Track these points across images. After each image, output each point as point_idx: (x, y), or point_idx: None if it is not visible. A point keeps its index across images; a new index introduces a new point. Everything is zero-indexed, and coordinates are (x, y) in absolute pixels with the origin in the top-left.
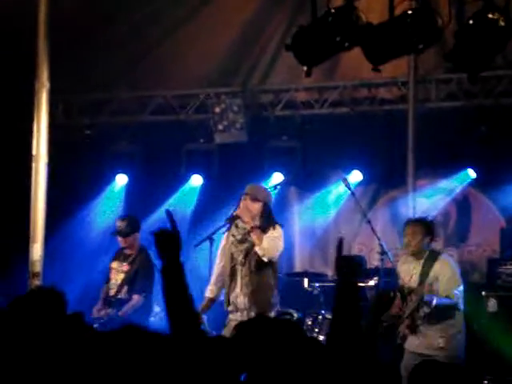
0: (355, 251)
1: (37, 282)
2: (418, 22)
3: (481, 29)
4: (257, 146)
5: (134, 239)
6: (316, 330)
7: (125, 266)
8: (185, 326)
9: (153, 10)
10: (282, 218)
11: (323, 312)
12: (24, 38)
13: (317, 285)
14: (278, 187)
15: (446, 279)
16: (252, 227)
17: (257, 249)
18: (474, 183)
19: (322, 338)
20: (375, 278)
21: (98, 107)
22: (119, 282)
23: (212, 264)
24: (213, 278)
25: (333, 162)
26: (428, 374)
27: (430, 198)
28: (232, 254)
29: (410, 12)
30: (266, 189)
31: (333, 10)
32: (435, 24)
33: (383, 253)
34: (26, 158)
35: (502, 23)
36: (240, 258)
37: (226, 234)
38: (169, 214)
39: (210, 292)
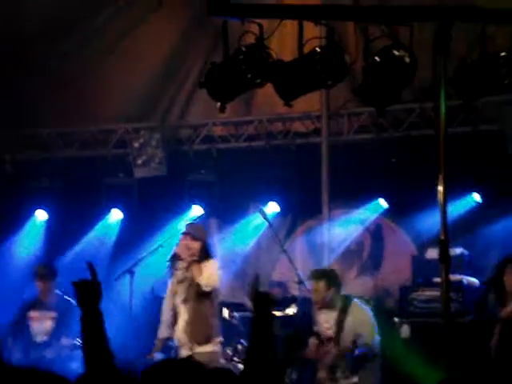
0: (274, 280)
1: None
2: (327, 59)
3: (387, 65)
4: (176, 179)
5: (52, 286)
6: (235, 359)
7: (50, 313)
8: (101, 370)
9: (70, 47)
10: None
11: (242, 341)
12: None
13: (236, 315)
14: (197, 220)
15: (366, 330)
16: (190, 262)
17: (198, 280)
18: (386, 213)
19: (241, 366)
20: (293, 307)
21: (18, 143)
22: (49, 328)
23: (133, 296)
24: (163, 319)
25: (250, 194)
26: None
27: (344, 228)
28: (175, 295)
29: (318, 50)
30: (203, 227)
31: (244, 48)
32: (343, 61)
33: (300, 282)
34: None
35: (407, 59)
36: (182, 296)
37: (172, 275)
38: (90, 265)
39: (160, 333)
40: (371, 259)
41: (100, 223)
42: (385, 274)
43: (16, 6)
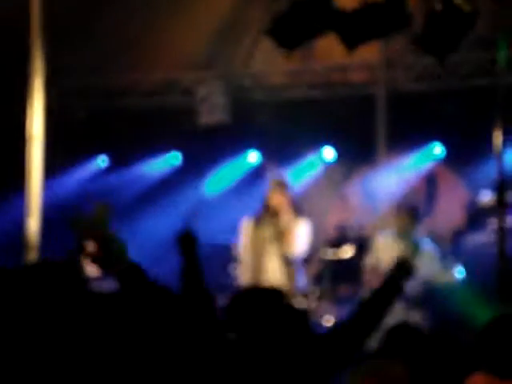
0: (329, 225)
1: (33, 255)
2: (389, 9)
3: (448, 14)
4: (238, 127)
5: None
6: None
7: None
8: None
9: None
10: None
11: None
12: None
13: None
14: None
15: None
16: (285, 221)
17: (287, 248)
18: (442, 160)
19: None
20: (350, 251)
21: (90, 92)
22: None
23: None
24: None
25: (308, 141)
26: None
27: (399, 174)
28: (259, 246)
29: (381, 0)
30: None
31: None
32: (405, 11)
33: (357, 226)
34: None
35: (468, 8)
36: (269, 249)
37: (251, 221)
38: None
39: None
40: (425, 204)
41: (156, 163)
42: (438, 219)
43: None
